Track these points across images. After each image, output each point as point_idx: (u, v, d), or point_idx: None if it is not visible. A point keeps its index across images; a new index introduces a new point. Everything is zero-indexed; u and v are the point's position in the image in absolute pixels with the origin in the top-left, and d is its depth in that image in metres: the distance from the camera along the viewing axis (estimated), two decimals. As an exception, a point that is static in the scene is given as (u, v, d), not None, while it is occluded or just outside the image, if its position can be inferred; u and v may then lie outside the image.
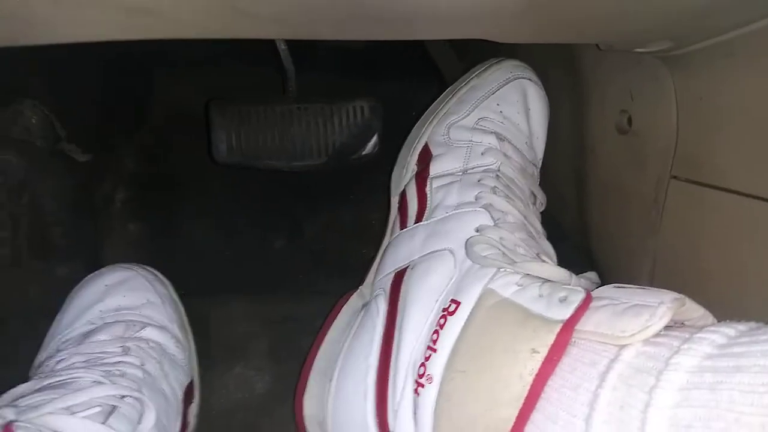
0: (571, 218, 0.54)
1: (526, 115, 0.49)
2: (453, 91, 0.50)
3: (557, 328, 0.30)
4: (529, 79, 0.50)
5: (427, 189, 0.44)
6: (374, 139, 0.51)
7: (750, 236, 0.37)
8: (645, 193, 0.45)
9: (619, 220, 0.48)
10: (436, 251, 0.40)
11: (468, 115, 0.48)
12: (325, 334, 0.44)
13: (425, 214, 0.43)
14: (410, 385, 0.36)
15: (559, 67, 0.52)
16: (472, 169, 0.44)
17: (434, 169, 0.45)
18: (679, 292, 0.30)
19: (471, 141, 0.46)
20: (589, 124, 0.50)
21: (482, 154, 0.45)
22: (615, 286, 0.33)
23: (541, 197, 0.46)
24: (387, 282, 0.42)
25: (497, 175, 0.43)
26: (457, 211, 0.41)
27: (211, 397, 0.48)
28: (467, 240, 0.38)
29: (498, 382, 0.31)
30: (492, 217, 0.40)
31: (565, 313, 0.31)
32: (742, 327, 0.26)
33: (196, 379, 0.47)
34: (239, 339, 0.52)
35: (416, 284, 0.39)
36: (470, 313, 0.35)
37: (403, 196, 0.47)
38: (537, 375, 0.29)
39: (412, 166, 0.48)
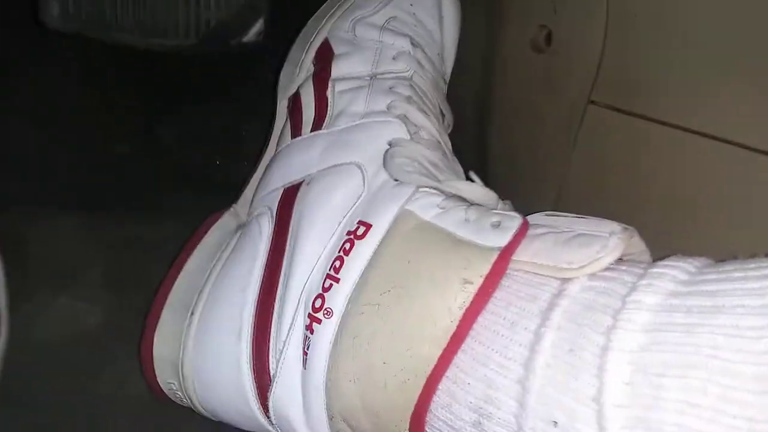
0: (468, 141, 0.50)
1: (439, 23, 0.43)
2: (359, -19, 0.42)
3: (493, 257, 0.25)
4: (443, -16, 0.44)
5: (328, 92, 0.37)
6: (259, 23, 0.42)
7: (670, 168, 0.35)
8: (556, 117, 0.42)
9: (525, 146, 0.45)
10: (340, 165, 0.33)
11: (377, 12, 0.40)
12: (185, 260, 0.35)
13: (325, 122, 0.36)
14: (301, 321, 0.29)
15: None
16: (382, 74, 0.38)
17: (337, 70, 0.38)
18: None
19: (381, 42, 0.39)
20: (503, 40, 0.46)
21: (394, 58, 0.38)
22: (547, 214, 0.29)
23: (449, 117, 0.41)
24: (273, 199, 0.34)
25: (411, 85, 0.37)
26: (366, 120, 0.34)
27: (26, 332, 0.37)
28: (387, 151, 0.31)
29: (420, 317, 0.25)
30: (408, 131, 0.34)
31: (501, 239, 0.26)
32: (697, 263, 0.23)
33: (3, 310, 0.35)
34: (67, 263, 0.41)
35: (314, 202, 0.32)
36: (383, 237, 0.29)
37: (295, 99, 0.39)
38: (468, 309, 0.25)
39: (308, 65, 0.40)
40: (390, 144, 0.33)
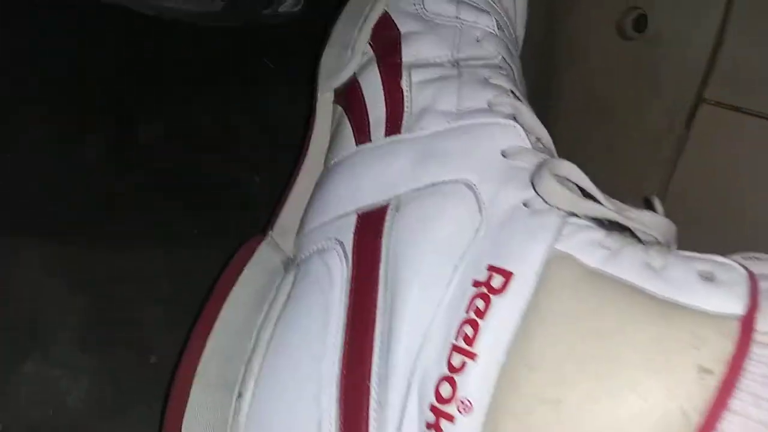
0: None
1: (513, -3, 0.35)
2: (420, -58, 0.33)
3: (733, 330, 0.17)
4: (514, -49, 0.35)
5: (403, 82, 0.28)
6: None
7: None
8: (653, 117, 0.35)
9: (607, 150, 0.38)
10: (442, 183, 0.24)
11: (449, -20, 0.32)
12: (217, 311, 0.26)
13: (403, 122, 0.27)
14: (415, 414, 0.20)
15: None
16: (467, 60, 0.29)
17: (410, 53, 0.29)
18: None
19: (459, 19, 0.30)
20: (575, 21, 0.38)
21: (478, 40, 0.30)
22: (744, 256, 0.21)
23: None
24: (342, 229, 0.25)
25: (508, 75, 0.29)
26: (466, 122, 0.26)
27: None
28: (542, 163, 0.22)
29: (635, 424, 0.17)
30: (527, 137, 0.25)
31: (731, 302, 0.18)
32: None
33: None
34: (33, 312, 0.30)
35: (415, 236, 0.23)
36: (535, 292, 0.20)
37: (352, 91, 0.29)
38: (711, 412, 0.17)
39: (363, 46, 0.30)
40: (505, 154, 0.25)
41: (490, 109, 0.26)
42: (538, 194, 0.22)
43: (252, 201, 0.39)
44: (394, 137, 0.26)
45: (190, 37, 0.40)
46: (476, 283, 0.21)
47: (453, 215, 0.23)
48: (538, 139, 0.25)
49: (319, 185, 0.28)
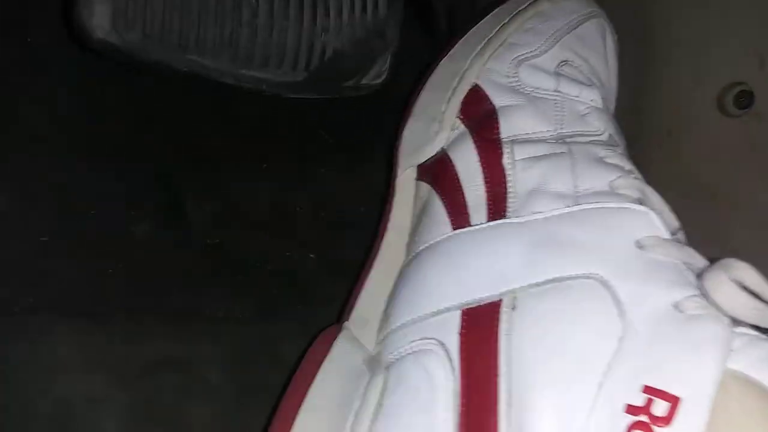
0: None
1: (607, 69, 0.32)
2: (510, 12, 0.31)
3: None
4: (606, 21, 0.33)
5: (505, 160, 0.25)
6: (383, 61, 0.29)
7: None
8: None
9: (711, 240, 0.34)
10: (566, 279, 0.20)
11: (544, 52, 0.29)
12: (290, 420, 0.21)
13: (508, 204, 0.23)
14: None
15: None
16: (573, 136, 0.26)
17: (509, 127, 0.26)
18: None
19: (559, 92, 0.28)
20: (671, 96, 0.35)
21: (582, 115, 0.27)
22: None
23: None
24: (443, 328, 0.21)
25: (623, 154, 0.26)
26: (589, 206, 0.22)
27: None
28: (716, 265, 0.19)
29: None
30: (664, 224, 0.22)
31: None
32: None
33: None
34: (69, 407, 0.26)
35: (542, 343, 0.19)
36: (712, 422, 0.16)
37: (442, 166, 0.26)
38: None
39: (452, 119, 0.28)
40: (640, 245, 0.21)
41: (613, 192, 0.23)
42: (714, 303, 0.18)
43: (309, 280, 0.36)
44: (500, 221, 0.23)
45: (244, 107, 0.38)
46: (631, 409, 0.17)
47: (588, 319, 0.19)
48: (678, 229, 0.22)
49: (407, 273, 0.24)
